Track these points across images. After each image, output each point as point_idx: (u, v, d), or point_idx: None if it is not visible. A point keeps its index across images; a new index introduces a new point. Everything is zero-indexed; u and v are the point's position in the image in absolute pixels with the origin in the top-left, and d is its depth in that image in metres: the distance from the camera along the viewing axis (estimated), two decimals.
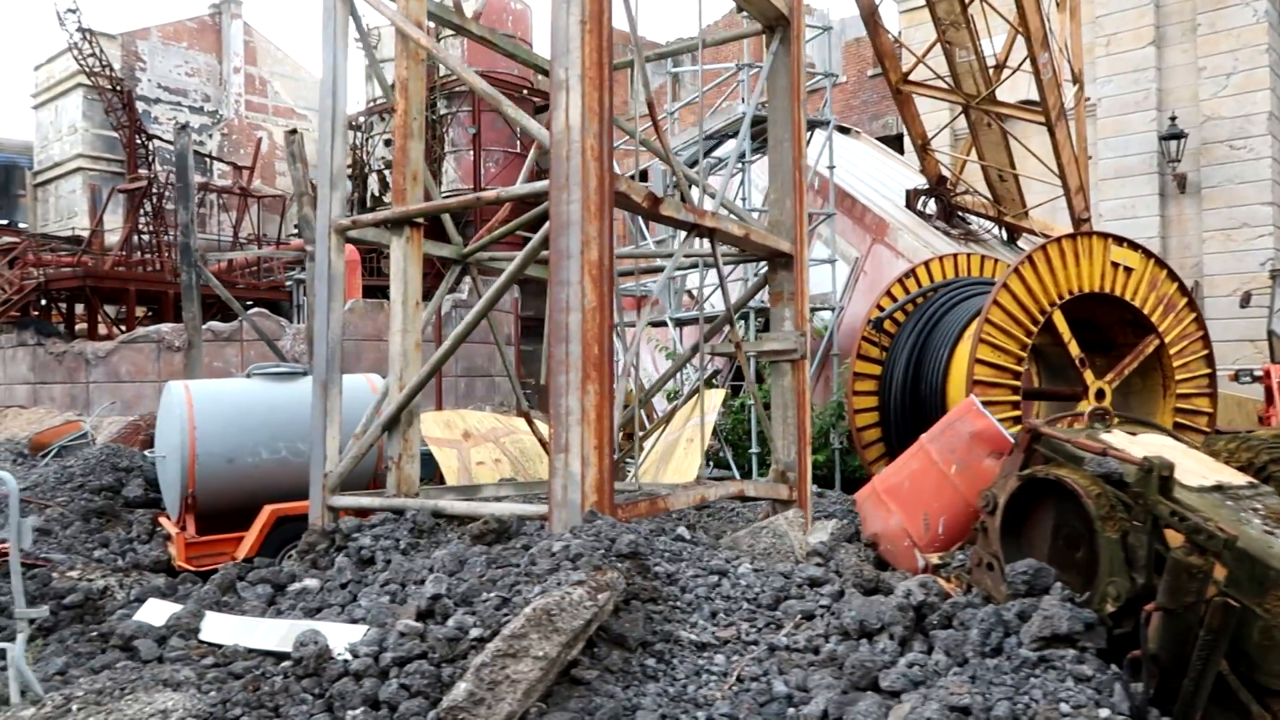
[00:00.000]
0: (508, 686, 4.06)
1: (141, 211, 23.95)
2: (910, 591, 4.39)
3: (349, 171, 38.62)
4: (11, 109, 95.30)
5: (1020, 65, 10.98)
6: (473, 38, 7.87)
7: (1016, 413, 8.66)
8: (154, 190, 24.17)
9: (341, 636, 4.71)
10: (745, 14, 8.19)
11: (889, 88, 12.74)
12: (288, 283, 27.23)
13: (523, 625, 4.07)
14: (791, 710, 3.94)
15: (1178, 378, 9.34)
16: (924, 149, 13.33)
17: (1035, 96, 12.51)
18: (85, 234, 32.97)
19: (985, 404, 8.78)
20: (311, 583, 5.85)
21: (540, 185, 5.78)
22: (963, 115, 12.69)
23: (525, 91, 35.07)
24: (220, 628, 5.61)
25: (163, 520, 8.09)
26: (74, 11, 26.19)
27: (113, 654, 5.45)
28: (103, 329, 23.86)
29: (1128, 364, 9.18)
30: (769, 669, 4.25)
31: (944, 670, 3.97)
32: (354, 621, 5.07)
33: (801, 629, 4.53)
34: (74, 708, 4.57)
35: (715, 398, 13.22)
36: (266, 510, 7.33)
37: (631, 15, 6.30)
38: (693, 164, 14.08)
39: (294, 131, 12.26)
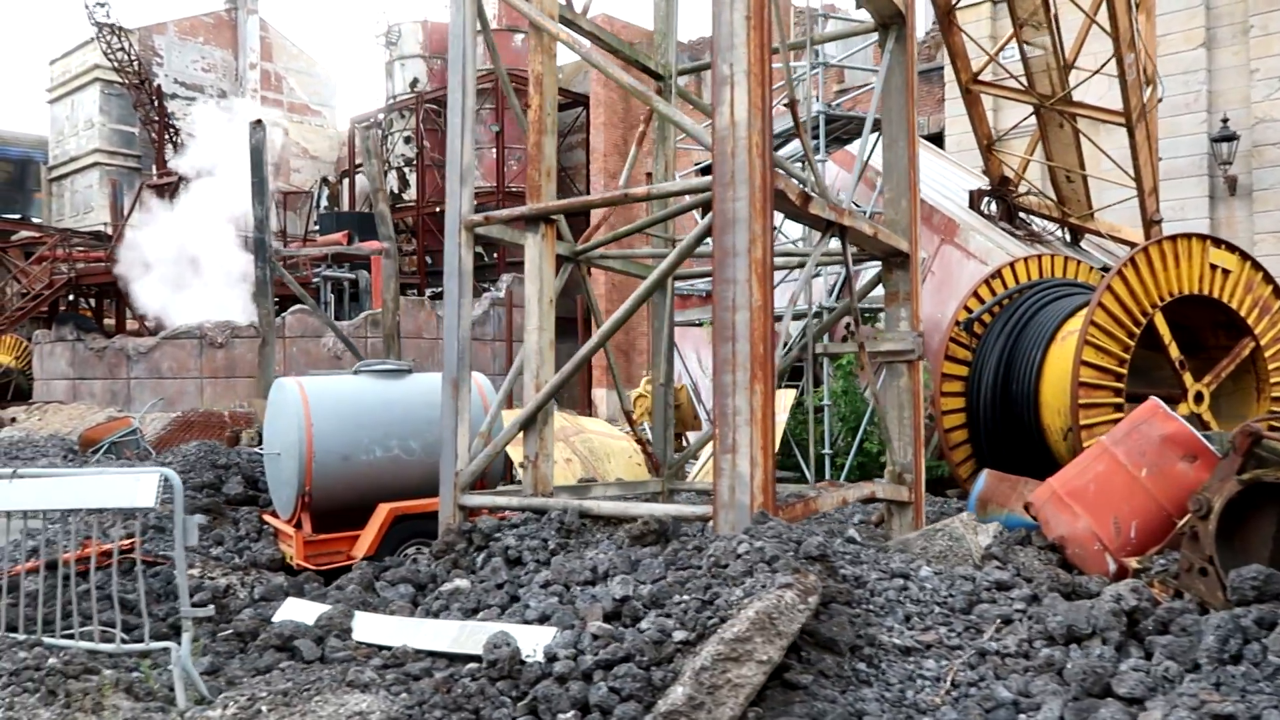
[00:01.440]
0: (729, 691, 4.00)
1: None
2: (1121, 596, 4.34)
3: (360, 169, 38.51)
4: (24, 103, 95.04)
5: (1103, 66, 10.94)
6: (585, 34, 7.78)
7: (1119, 415, 8.61)
8: (184, 186, 24.01)
9: (530, 638, 4.64)
10: (842, 13, 8.13)
11: (959, 87, 12.69)
12: (315, 279, 27.13)
13: (747, 628, 4.01)
14: (1022, 717, 3.89)
15: (1272, 380, 9.30)
16: (989, 149, 13.29)
17: (1099, 96, 12.50)
18: (105, 229, 32.82)
19: (1088, 406, 8.77)
20: (463, 583, 5.78)
21: (698, 182, 5.71)
22: (1033, 116, 12.64)
23: None
24: (376, 628, 5.53)
25: (268, 518, 8.01)
26: (103, 5, 26.04)
27: (270, 654, 5.38)
28: (131, 324, 23.73)
29: (1224, 367, 9.14)
30: (985, 674, 4.19)
31: (1174, 677, 3.92)
32: (526, 622, 5.00)
33: (1004, 634, 4.47)
34: (262, 709, 4.50)
35: (784, 399, 13.17)
36: (385, 509, 7.26)
37: (779, 11, 6.23)
38: None
39: (369, 127, 12.09)
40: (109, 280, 22.06)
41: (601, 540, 5.85)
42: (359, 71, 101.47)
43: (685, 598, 4.59)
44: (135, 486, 5.16)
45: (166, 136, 28.29)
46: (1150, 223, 12.31)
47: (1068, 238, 14.01)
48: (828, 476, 12.06)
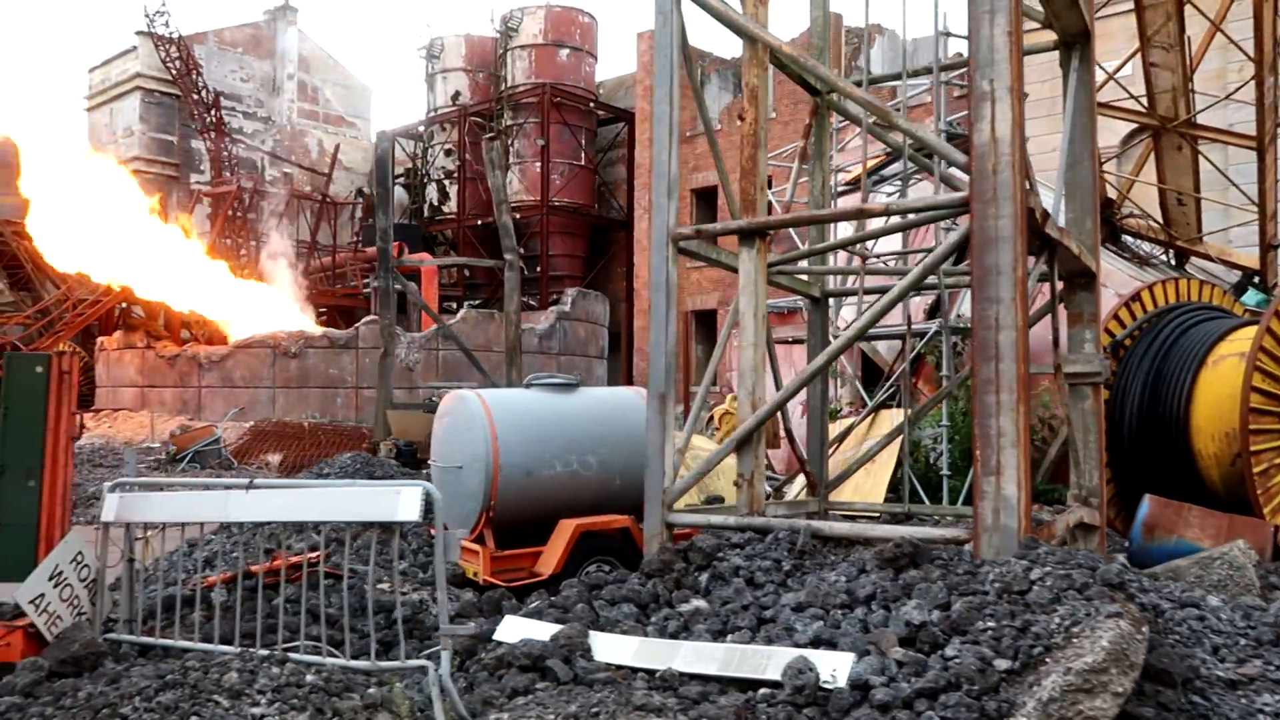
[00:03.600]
0: None
1: (231, 216, 23.76)
2: None
3: (402, 180, 38.58)
4: (61, 110, 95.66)
5: (1238, 90, 10.88)
6: (771, 49, 7.68)
7: None
8: (242, 196, 23.98)
9: (827, 664, 4.51)
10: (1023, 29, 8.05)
11: None
12: (365, 289, 27.05)
13: (1102, 659, 3.89)
14: None
15: None
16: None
17: (1213, 118, 12.44)
18: None
19: (1257, 432, 8.65)
20: (701, 604, 5.65)
21: (946, 199, 5.62)
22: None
23: (592, 104, 35.08)
24: (618, 648, 5.40)
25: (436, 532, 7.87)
26: (162, 13, 26.05)
27: (515, 674, 5.24)
28: (185, 333, 23.63)
29: None
30: None
31: None
32: (799, 646, 4.86)
33: None
34: None
35: (896, 420, 13.05)
36: (571, 525, 7.14)
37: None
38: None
39: (494, 137, 12.04)
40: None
41: (839, 562, 5.72)
42: (390, 84, 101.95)
43: (991, 624, 4.46)
44: (397, 500, 5.06)
45: (222, 146, 28.23)
46: (1269, 247, 12.22)
47: (1172, 260, 13.92)
48: (945, 500, 11.92)
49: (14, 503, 5.65)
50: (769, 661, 4.78)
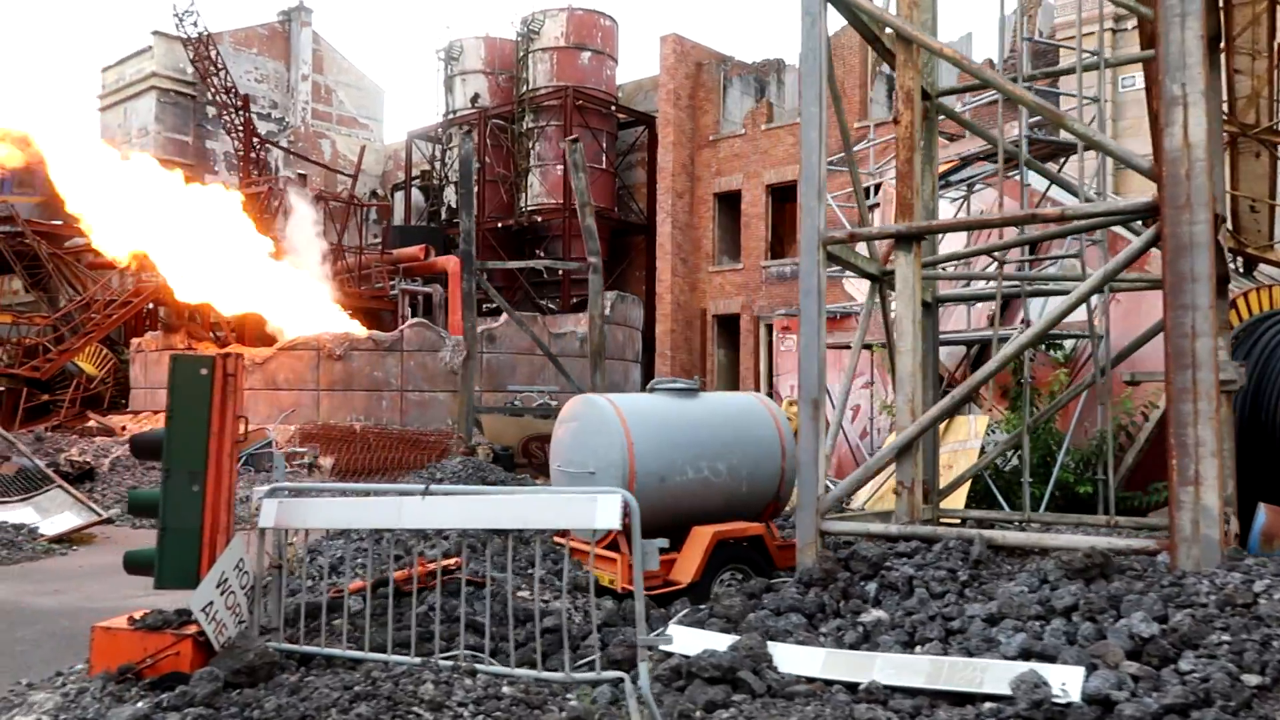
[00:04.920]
0: None
1: (262, 216, 23.58)
2: None
3: (419, 183, 38.42)
4: (72, 110, 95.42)
5: None
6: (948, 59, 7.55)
7: None
8: (274, 196, 23.81)
9: (1055, 677, 4.42)
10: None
11: (1148, 111, 12.58)
12: (392, 291, 26.89)
13: None
14: None
15: None
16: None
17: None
18: None
19: None
20: (880, 614, 5.55)
21: (1135, 203, 5.54)
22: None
23: (613, 108, 34.99)
24: (802, 659, 5.30)
25: (561, 540, 7.75)
26: (190, 13, 25.86)
27: (700, 685, 5.12)
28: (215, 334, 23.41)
29: None
30: None
31: None
32: (1006, 658, 4.77)
33: None
34: None
35: (974, 425, 12.99)
36: (707, 532, 7.04)
37: None
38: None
39: (575, 139, 11.93)
40: None
41: (1016, 572, 5.64)
42: (401, 86, 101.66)
43: (1226, 638, 4.38)
44: (594, 507, 4.95)
45: (252, 145, 28.01)
46: None
47: (1240, 268, 13.88)
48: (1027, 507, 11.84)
49: (178, 507, 5.52)
50: (984, 674, 4.69)
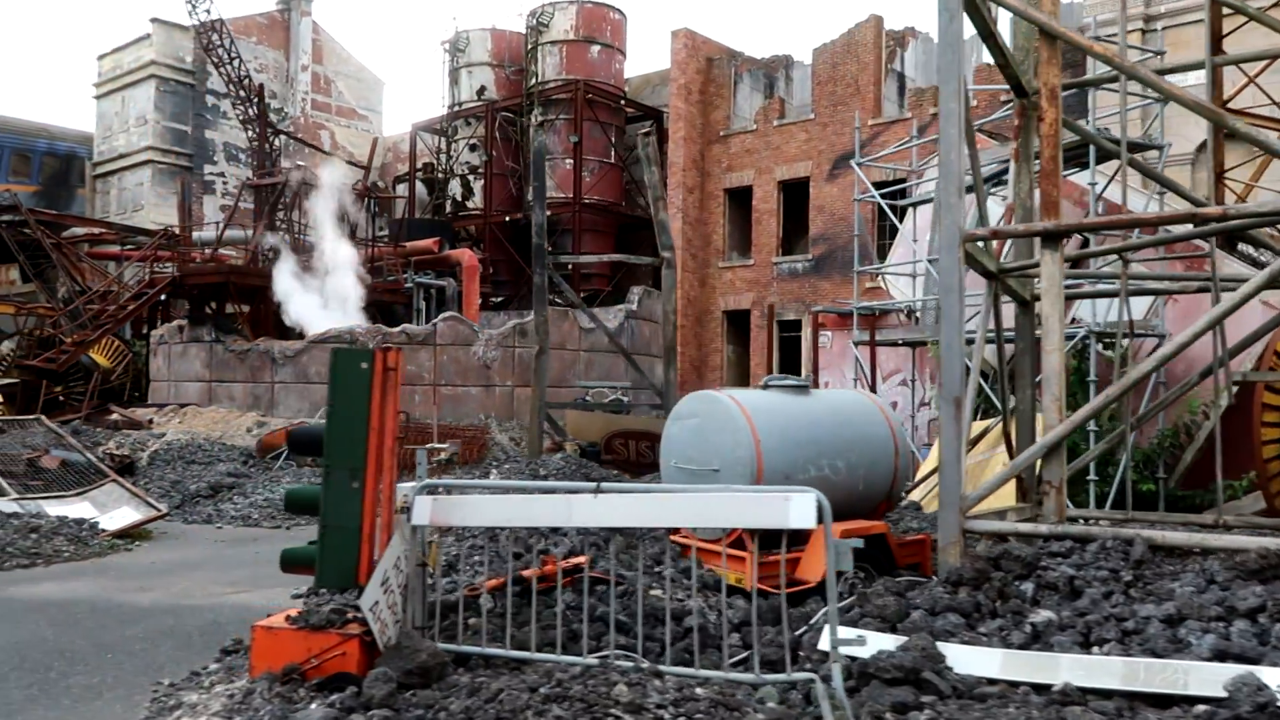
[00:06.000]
0: None
1: (279, 208, 23.28)
2: None
3: (420, 175, 38.14)
4: (62, 97, 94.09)
5: None
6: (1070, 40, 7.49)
7: None
8: (288, 188, 23.51)
9: (1272, 679, 4.40)
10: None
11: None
12: (407, 284, 26.65)
13: None
14: None
15: None
16: (1220, 178, 13.25)
17: None
18: (154, 226, 32.18)
19: None
20: (1050, 614, 5.52)
21: None
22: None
23: (622, 102, 34.87)
24: (982, 660, 5.25)
25: (676, 538, 7.67)
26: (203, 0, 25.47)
27: (886, 689, 5.07)
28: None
29: None
30: None
31: None
32: (1202, 659, 4.75)
33: None
34: None
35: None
36: (835, 530, 6.97)
37: None
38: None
39: (648, 132, 11.83)
40: (222, 281, 21.44)
41: (1181, 573, 5.63)
42: (399, 77, 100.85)
43: None
44: (787, 506, 4.88)
45: (267, 135, 27.65)
46: None
47: None
48: (1093, 505, 11.89)
49: (338, 505, 5.40)
50: (1187, 676, 4.66)
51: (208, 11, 26.37)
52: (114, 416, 18.28)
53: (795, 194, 30.68)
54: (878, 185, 27.75)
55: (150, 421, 17.83)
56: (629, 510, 5.15)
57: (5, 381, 20.76)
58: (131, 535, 10.84)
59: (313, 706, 4.98)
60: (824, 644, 5.67)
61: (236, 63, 27.08)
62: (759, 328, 30.42)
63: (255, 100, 26.76)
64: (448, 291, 27.64)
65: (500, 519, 5.56)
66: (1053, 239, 6.31)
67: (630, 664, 5.13)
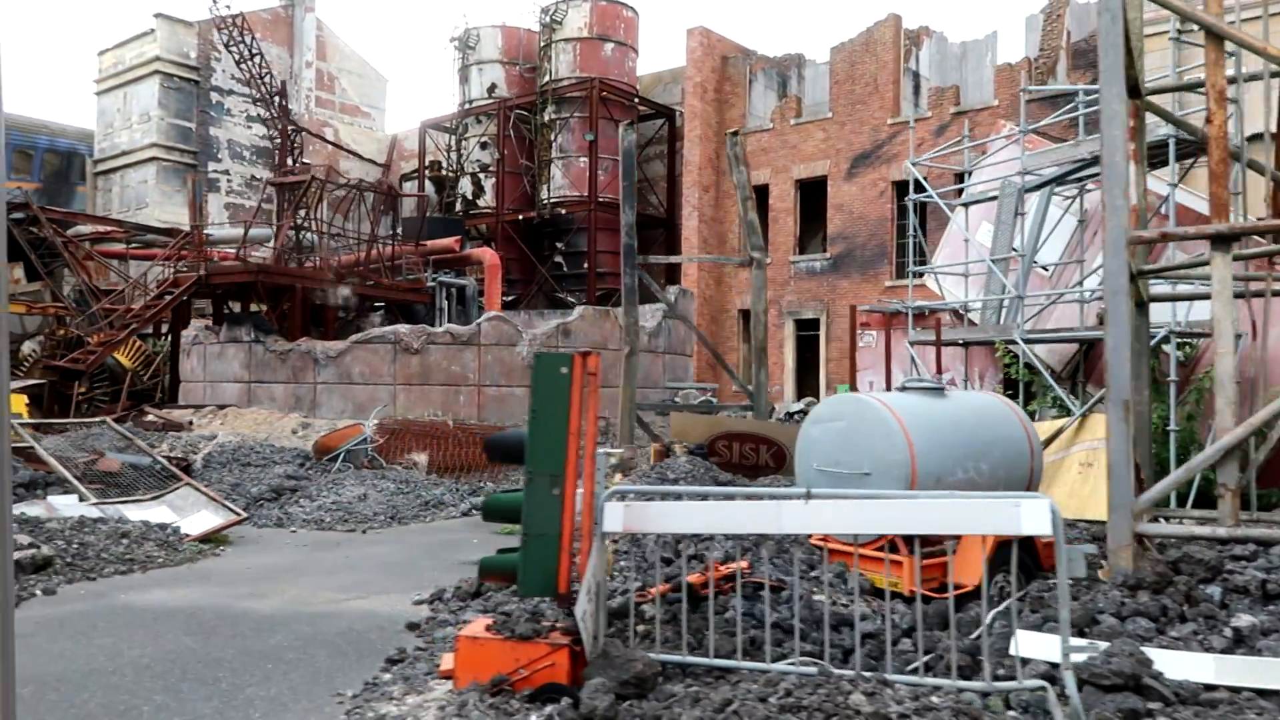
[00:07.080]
0: None
1: (301, 206, 23.03)
2: None
3: (429, 173, 37.89)
4: (62, 93, 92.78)
5: None
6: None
7: None
8: (313, 186, 23.25)
9: None
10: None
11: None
12: (429, 283, 26.46)
13: None
14: None
15: None
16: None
17: None
18: (167, 225, 31.76)
19: None
20: (1250, 619, 5.51)
21: None
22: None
23: (635, 100, 34.79)
24: (1193, 666, 5.24)
25: (819, 541, 7.63)
26: None
27: (1106, 695, 5.04)
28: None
29: None
30: None
31: None
32: None
33: None
34: None
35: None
36: (990, 535, 6.95)
37: None
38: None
39: (735, 132, 11.74)
40: (251, 280, 21.17)
41: None
42: (403, 74, 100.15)
43: None
44: (1019, 512, 4.83)
45: (289, 133, 27.34)
46: None
47: None
48: (1172, 503, 11.94)
49: (538, 513, 5.31)
50: None
51: (228, 6, 26.00)
52: (150, 417, 18.00)
53: (812, 193, 30.73)
54: (899, 185, 27.89)
55: (190, 423, 17.57)
56: (844, 517, 5.08)
57: (31, 383, 20.43)
58: (213, 540, 10.69)
59: (532, 719, 4.91)
60: (1015, 650, 5.65)
61: (258, 59, 26.72)
62: (775, 326, 30.43)
63: (277, 98, 26.42)
64: (468, 291, 27.47)
65: (702, 525, 5.48)
66: (1224, 241, 6.31)
67: (851, 673, 5.07)
